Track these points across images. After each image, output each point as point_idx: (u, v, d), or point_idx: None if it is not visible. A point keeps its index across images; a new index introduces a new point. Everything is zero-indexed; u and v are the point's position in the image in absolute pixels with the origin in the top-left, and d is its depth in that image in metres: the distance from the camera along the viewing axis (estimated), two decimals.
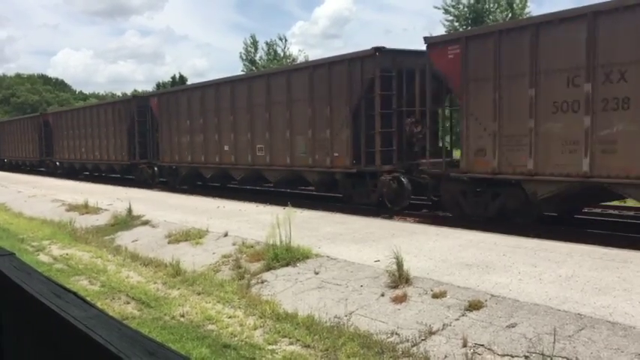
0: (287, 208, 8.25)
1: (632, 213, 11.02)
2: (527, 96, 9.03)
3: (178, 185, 18.84)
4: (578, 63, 8.36)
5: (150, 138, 20.56)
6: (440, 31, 33.63)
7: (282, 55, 41.35)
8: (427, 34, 15.53)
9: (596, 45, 8.15)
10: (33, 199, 17.20)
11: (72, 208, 14.17)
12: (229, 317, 5.74)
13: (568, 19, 8.58)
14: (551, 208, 9.77)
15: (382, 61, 11.59)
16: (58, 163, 29.27)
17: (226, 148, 16.25)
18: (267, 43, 41.78)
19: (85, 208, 13.67)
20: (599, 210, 11.30)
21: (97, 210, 13.44)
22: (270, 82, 14.65)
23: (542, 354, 4.08)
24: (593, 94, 8.21)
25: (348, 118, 12.30)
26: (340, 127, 12.53)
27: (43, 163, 30.82)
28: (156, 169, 20.35)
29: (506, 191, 9.64)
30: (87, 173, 27.05)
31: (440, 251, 7.19)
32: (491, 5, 30.58)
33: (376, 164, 11.73)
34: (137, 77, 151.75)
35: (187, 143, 17.90)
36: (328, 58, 13.44)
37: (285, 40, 52.07)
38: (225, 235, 9.14)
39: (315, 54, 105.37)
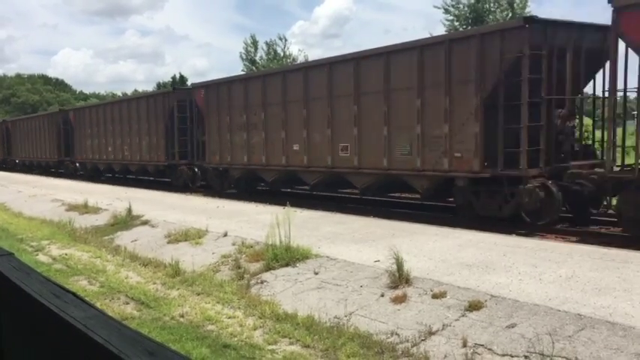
0: (286, 208, 8.24)
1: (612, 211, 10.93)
2: None
3: (227, 190, 16.68)
4: None
5: (192, 136, 18.13)
6: (440, 30, 33.63)
7: (282, 55, 41.34)
8: (427, 34, 15.43)
9: None
10: (33, 198, 17.19)
11: (72, 207, 14.16)
12: (229, 317, 5.73)
13: None
14: None
15: (532, 36, 9.22)
16: (78, 164, 26.68)
17: (296, 147, 13.82)
18: (266, 43, 41.80)
19: (85, 208, 13.66)
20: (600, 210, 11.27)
21: (96, 210, 13.43)
22: (360, 68, 11.92)
23: (542, 354, 4.08)
24: None
25: (479, 110, 9.68)
26: (466, 120, 9.90)
27: (62, 164, 27.93)
28: (197, 170, 17.95)
29: None
30: (112, 175, 24.52)
31: (440, 251, 7.19)
32: (492, 5, 30.59)
33: (521, 167, 9.19)
34: (137, 77, 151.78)
35: (243, 141, 15.38)
36: (448, 35, 12.16)
37: (285, 40, 52.04)
38: (225, 235, 9.14)
39: (315, 54, 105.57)
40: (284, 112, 14.02)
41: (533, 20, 9.20)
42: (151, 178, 21.43)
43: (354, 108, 12.14)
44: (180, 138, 18.33)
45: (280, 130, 14.18)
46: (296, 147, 13.83)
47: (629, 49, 8.09)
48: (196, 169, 18.03)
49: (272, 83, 14.57)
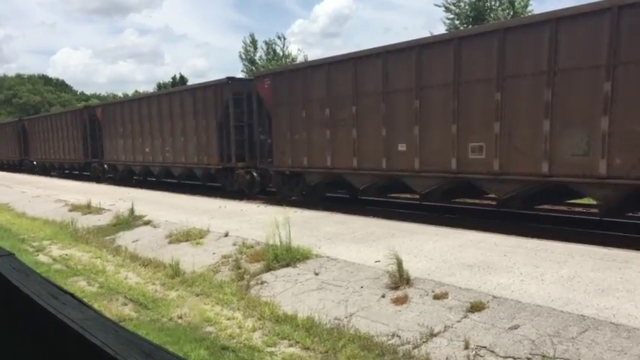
0: (286, 208, 8.26)
1: (631, 213, 10.97)
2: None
3: (296, 197, 14.06)
4: None
5: (251, 134, 15.53)
6: (441, 28, 33.62)
7: (281, 54, 41.34)
8: (427, 33, 15.36)
9: None
10: (37, 199, 17.19)
11: (75, 208, 14.16)
12: (228, 319, 5.71)
13: None
14: None
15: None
16: (106, 166, 23.83)
17: (402, 148, 10.74)
18: (265, 43, 41.77)
19: (88, 209, 13.66)
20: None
21: (99, 210, 13.43)
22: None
23: (545, 356, 4.05)
24: None
25: None
26: None
27: (89, 165, 25.13)
28: (255, 174, 15.37)
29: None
30: (141, 179, 21.77)
31: (440, 251, 7.17)
32: (493, 3, 30.57)
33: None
34: (137, 77, 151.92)
35: (323, 140, 12.59)
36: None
37: (284, 39, 52.03)
38: (226, 235, 9.12)
39: (315, 53, 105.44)
40: (385, 103, 10.95)
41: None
42: (198, 183, 18.80)
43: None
44: (237, 138, 15.64)
45: (380, 127, 11.13)
46: (402, 147, 10.83)
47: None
48: (255, 174, 15.36)
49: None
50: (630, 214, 9.63)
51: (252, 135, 15.49)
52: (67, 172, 28.10)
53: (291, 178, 14.02)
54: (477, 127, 9.44)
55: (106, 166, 23.86)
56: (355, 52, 11.96)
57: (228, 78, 16.13)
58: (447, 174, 9.95)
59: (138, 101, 21.62)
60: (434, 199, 10.81)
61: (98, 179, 23.99)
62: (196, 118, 17.18)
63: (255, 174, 15.38)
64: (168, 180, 20.39)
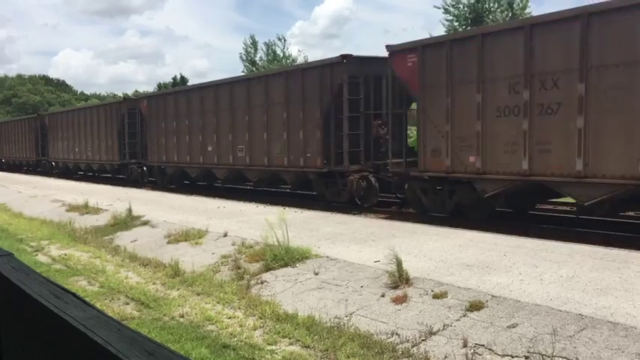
0: (286, 208, 8.26)
1: (632, 213, 11.00)
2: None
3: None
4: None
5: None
6: (440, 30, 33.68)
7: (281, 55, 41.34)
8: (427, 34, 15.24)
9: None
10: (33, 199, 17.19)
11: (72, 208, 14.16)
12: (229, 318, 5.72)
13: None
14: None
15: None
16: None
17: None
18: (265, 44, 41.76)
19: (85, 209, 13.66)
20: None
21: (97, 210, 13.43)
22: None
23: (543, 354, 4.07)
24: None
25: None
26: None
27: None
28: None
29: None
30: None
31: (440, 251, 7.18)
32: (492, 5, 30.59)
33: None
34: (138, 78, 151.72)
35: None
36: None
37: (284, 41, 51.97)
38: (225, 235, 9.13)
39: (315, 54, 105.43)
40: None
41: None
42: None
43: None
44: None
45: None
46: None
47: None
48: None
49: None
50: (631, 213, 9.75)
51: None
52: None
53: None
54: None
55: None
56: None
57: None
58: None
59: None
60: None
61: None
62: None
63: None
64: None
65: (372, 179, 12.05)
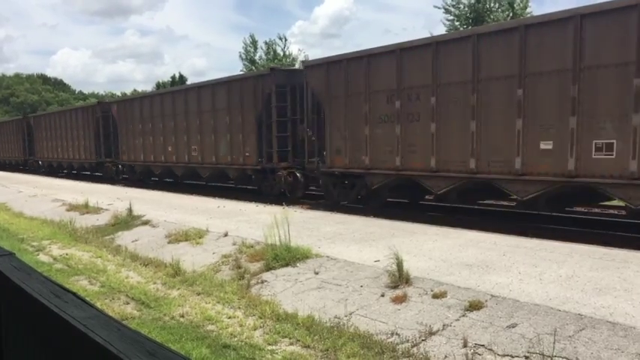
0: (285, 207, 8.27)
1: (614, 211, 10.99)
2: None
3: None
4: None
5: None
6: (440, 30, 33.66)
7: (282, 54, 41.34)
8: (428, 33, 15.32)
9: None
10: (34, 198, 17.19)
11: (72, 207, 14.17)
12: (229, 317, 5.73)
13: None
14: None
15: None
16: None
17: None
18: (266, 43, 41.80)
19: (86, 208, 13.67)
20: (598, 210, 11.30)
21: (97, 210, 13.44)
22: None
23: (543, 354, 4.08)
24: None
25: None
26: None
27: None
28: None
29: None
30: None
31: (440, 251, 7.19)
32: (493, 5, 30.57)
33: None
34: (136, 77, 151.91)
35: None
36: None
37: (285, 40, 51.98)
38: (225, 235, 9.14)
39: (315, 53, 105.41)
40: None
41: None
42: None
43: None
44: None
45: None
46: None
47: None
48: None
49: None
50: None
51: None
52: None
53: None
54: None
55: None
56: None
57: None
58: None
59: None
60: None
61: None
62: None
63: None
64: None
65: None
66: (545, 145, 8.79)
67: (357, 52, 12.12)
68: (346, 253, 7.35)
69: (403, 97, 10.95)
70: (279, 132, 14.07)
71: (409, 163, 10.96)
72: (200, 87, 17.51)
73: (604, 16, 8.08)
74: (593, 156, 8.22)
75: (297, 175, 13.91)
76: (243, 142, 15.24)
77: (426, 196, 12.05)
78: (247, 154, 15.17)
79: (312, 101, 13.19)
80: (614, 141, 8.04)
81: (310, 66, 13.42)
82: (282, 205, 12.46)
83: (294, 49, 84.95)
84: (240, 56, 42.15)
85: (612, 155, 8.05)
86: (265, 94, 14.26)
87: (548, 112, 8.73)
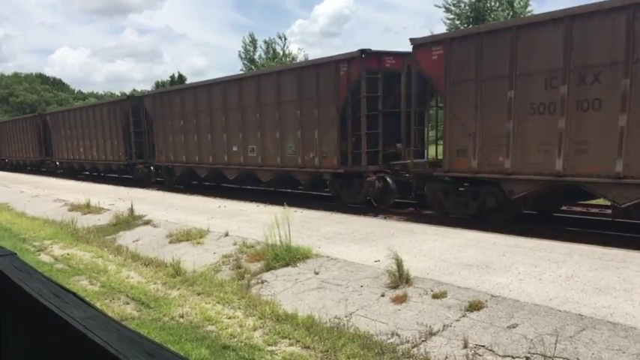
0: (285, 207, 8.25)
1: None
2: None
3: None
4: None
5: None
6: (441, 28, 33.62)
7: (281, 53, 41.35)
8: (428, 32, 14.89)
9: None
10: (36, 199, 17.21)
11: (74, 208, 14.19)
12: (229, 318, 5.74)
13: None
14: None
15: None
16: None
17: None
18: (265, 42, 41.85)
19: (87, 208, 13.69)
20: (597, 210, 11.28)
21: (99, 210, 13.46)
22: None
23: (544, 355, 4.08)
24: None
25: None
26: None
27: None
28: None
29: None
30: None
31: (440, 251, 7.19)
32: (493, 4, 30.57)
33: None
34: (135, 76, 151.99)
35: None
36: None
37: (285, 39, 51.91)
38: (226, 235, 9.15)
39: (315, 53, 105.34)
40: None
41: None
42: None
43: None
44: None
45: None
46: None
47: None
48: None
49: None
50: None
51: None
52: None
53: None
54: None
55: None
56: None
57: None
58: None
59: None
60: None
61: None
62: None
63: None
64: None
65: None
66: None
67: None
68: (346, 253, 7.35)
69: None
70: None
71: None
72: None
73: None
74: None
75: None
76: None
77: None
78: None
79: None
80: None
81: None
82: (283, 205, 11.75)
83: (293, 48, 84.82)
84: (240, 55, 42.25)
85: None
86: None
87: None
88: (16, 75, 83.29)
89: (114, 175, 23.77)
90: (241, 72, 37.91)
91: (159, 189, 18.95)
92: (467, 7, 30.97)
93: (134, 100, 21.18)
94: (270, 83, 14.14)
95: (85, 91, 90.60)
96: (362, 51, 11.58)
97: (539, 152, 8.76)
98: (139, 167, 20.65)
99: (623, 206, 7.94)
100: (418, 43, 10.62)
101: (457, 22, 31.01)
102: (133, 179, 21.25)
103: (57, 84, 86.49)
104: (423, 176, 11.04)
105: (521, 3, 30.13)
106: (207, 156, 16.81)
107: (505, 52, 9.05)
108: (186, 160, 17.89)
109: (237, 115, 15.27)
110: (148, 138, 20.10)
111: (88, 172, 25.73)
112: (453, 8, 31.28)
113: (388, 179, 11.66)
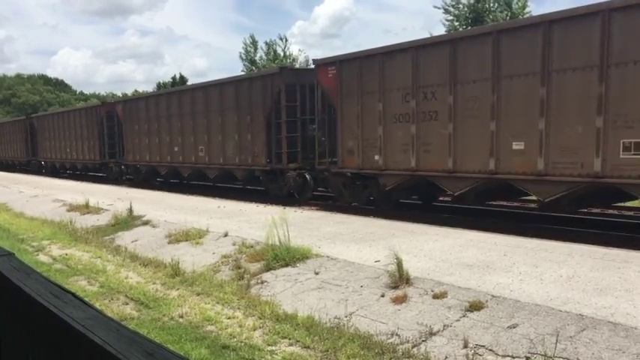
0: (286, 208, 8.26)
1: (631, 213, 11.01)
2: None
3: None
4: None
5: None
6: (440, 30, 33.70)
7: (282, 54, 41.37)
8: (428, 34, 15.19)
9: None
10: (34, 199, 17.19)
11: (73, 208, 14.16)
12: (228, 318, 5.72)
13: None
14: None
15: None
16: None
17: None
18: (266, 43, 41.89)
19: (86, 208, 13.67)
20: (598, 210, 11.29)
21: (97, 210, 13.43)
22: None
23: (544, 355, 4.07)
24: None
25: None
26: None
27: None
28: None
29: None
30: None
31: (440, 251, 7.18)
32: (492, 5, 30.60)
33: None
34: (137, 77, 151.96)
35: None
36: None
37: (286, 40, 51.98)
38: (225, 235, 9.13)
39: (315, 54, 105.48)
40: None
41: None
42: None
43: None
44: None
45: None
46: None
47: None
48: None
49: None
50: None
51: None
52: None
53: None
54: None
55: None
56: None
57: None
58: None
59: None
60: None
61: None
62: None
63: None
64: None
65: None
66: None
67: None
68: (346, 254, 7.34)
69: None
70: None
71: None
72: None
73: None
74: None
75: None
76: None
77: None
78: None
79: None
80: None
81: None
82: (284, 205, 12.61)
83: (294, 49, 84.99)
84: (241, 56, 42.25)
85: None
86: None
87: None
88: (18, 76, 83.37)
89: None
90: (242, 72, 37.96)
91: (159, 189, 18.96)
92: (466, 9, 31.01)
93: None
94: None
95: (87, 92, 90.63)
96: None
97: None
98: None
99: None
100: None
101: (456, 24, 31.04)
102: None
103: (59, 85, 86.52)
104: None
105: (519, 4, 30.17)
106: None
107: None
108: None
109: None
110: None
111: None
112: (452, 10, 31.31)
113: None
